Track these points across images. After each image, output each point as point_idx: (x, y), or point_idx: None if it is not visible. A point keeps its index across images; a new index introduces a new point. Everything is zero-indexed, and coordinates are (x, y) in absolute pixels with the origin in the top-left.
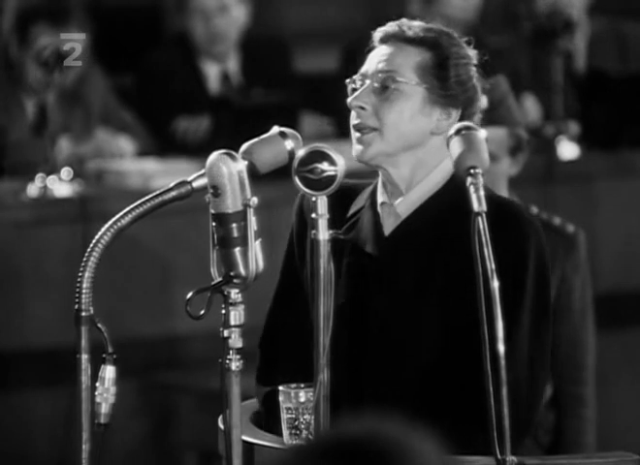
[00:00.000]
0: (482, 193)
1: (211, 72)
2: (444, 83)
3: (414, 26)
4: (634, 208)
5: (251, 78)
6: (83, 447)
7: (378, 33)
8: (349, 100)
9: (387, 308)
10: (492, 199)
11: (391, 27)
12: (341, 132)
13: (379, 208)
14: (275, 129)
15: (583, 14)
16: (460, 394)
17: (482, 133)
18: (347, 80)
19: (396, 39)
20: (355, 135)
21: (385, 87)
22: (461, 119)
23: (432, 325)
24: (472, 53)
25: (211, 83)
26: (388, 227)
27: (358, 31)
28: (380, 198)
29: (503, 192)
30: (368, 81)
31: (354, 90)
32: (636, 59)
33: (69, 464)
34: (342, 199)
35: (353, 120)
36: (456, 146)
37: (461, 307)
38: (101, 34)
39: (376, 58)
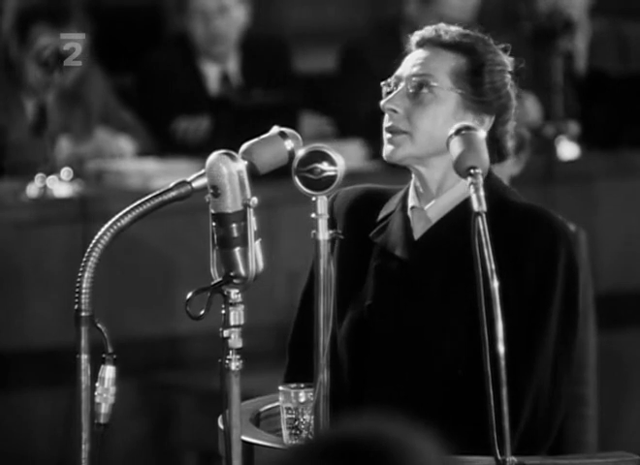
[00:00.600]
0: (482, 193)
1: (211, 72)
2: (478, 89)
3: (451, 31)
4: (634, 208)
5: (251, 79)
6: (83, 447)
7: (415, 36)
8: (382, 102)
9: (414, 312)
10: (518, 203)
11: (427, 31)
12: (341, 132)
13: (409, 212)
14: (275, 129)
15: (583, 14)
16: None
17: (482, 133)
18: (382, 83)
19: (432, 43)
20: (386, 135)
21: (419, 91)
22: (494, 126)
23: (459, 329)
24: (508, 60)
25: (211, 84)
26: (418, 231)
27: (358, 31)
28: (411, 202)
29: None
30: (402, 84)
31: (388, 93)
32: (636, 59)
33: (69, 464)
34: (373, 203)
35: (385, 123)
36: (456, 146)
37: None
38: (101, 34)
39: (411, 62)
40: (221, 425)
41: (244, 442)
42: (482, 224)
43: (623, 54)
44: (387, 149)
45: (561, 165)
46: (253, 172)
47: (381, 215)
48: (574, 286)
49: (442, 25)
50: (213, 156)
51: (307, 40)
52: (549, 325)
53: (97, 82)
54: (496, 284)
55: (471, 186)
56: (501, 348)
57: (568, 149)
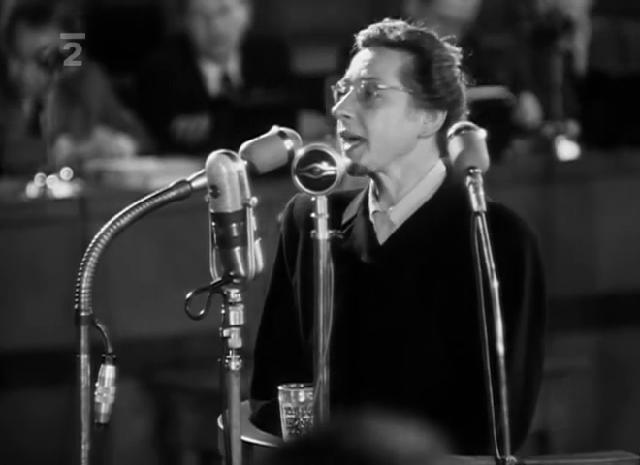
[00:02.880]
0: (482, 193)
1: (211, 73)
2: (428, 87)
3: (395, 29)
4: (633, 208)
5: (251, 79)
6: (83, 446)
7: (360, 36)
8: (334, 109)
9: (385, 316)
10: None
11: (373, 30)
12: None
13: (372, 217)
14: (275, 129)
15: (583, 14)
16: (465, 399)
17: (481, 132)
18: (332, 87)
19: (377, 43)
20: (344, 145)
21: (368, 94)
22: (446, 120)
23: (432, 331)
24: (455, 54)
25: (211, 84)
26: (382, 235)
27: (358, 31)
28: (372, 207)
29: None
30: (351, 88)
31: (340, 95)
32: (636, 59)
33: (69, 464)
34: (333, 207)
35: (339, 128)
36: (455, 146)
37: (462, 312)
38: (100, 34)
39: (359, 64)
40: (221, 425)
41: (244, 442)
42: (482, 223)
43: (622, 54)
44: (346, 162)
45: (561, 164)
46: (253, 172)
47: (344, 220)
48: (540, 280)
49: (387, 23)
50: (213, 156)
51: (307, 40)
52: (519, 324)
53: (96, 82)
54: (495, 283)
55: (471, 186)
56: (501, 347)
57: (568, 149)
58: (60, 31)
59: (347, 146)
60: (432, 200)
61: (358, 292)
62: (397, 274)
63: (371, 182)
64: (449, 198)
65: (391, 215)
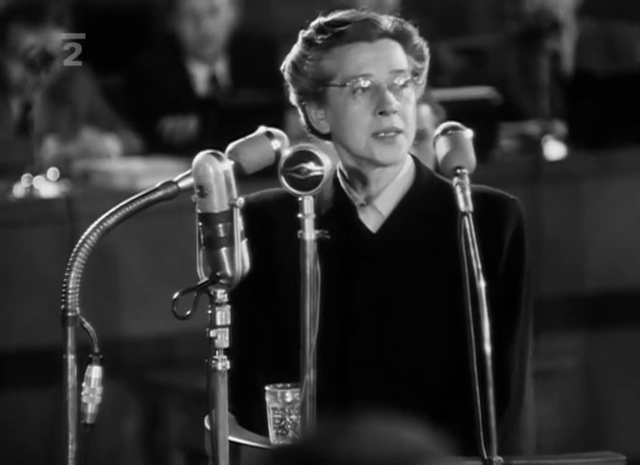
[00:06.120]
0: (468, 193)
1: (200, 74)
2: (422, 77)
3: (395, 21)
4: (620, 208)
5: (239, 80)
6: (70, 447)
7: (371, 28)
8: (385, 105)
9: (396, 302)
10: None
11: (385, 22)
12: None
13: (358, 210)
14: (262, 129)
15: (570, 14)
16: (466, 397)
17: (468, 133)
18: (348, 84)
19: (388, 36)
20: (380, 136)
21: (401, 87)
22: None
23: (442, 309)
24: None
25: (199, 85)
26: (373, 226)
27: None
28: (356, 198)
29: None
30: (381, 82)
31: (355, 91)
32: (623, 59)
33: (56, 464)
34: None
35: (383, 124)
36: (442, 146)
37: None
38: (90, 34)
39: (371, 57)
40: (207, 425)
41: (231, 442)
42: (469, 224)
43: (609, 54)
44: (386, 152)
45: (548, 164)
46: (240, 172)
47: (321, 214)
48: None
49: (368, 14)
50: (200, 156)
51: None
52: (523, 298)
53: (84, 82)
54: (482, 284)
55: (457, 186)
56: (488, 347)
57: (555, 149)
58: (54, 31)
59: (384, 135)
60: (413, 187)
61: (360, 283)
62: (397, 261)
63: (340, 174)
64: (426, 183)
65: (378, 205)
